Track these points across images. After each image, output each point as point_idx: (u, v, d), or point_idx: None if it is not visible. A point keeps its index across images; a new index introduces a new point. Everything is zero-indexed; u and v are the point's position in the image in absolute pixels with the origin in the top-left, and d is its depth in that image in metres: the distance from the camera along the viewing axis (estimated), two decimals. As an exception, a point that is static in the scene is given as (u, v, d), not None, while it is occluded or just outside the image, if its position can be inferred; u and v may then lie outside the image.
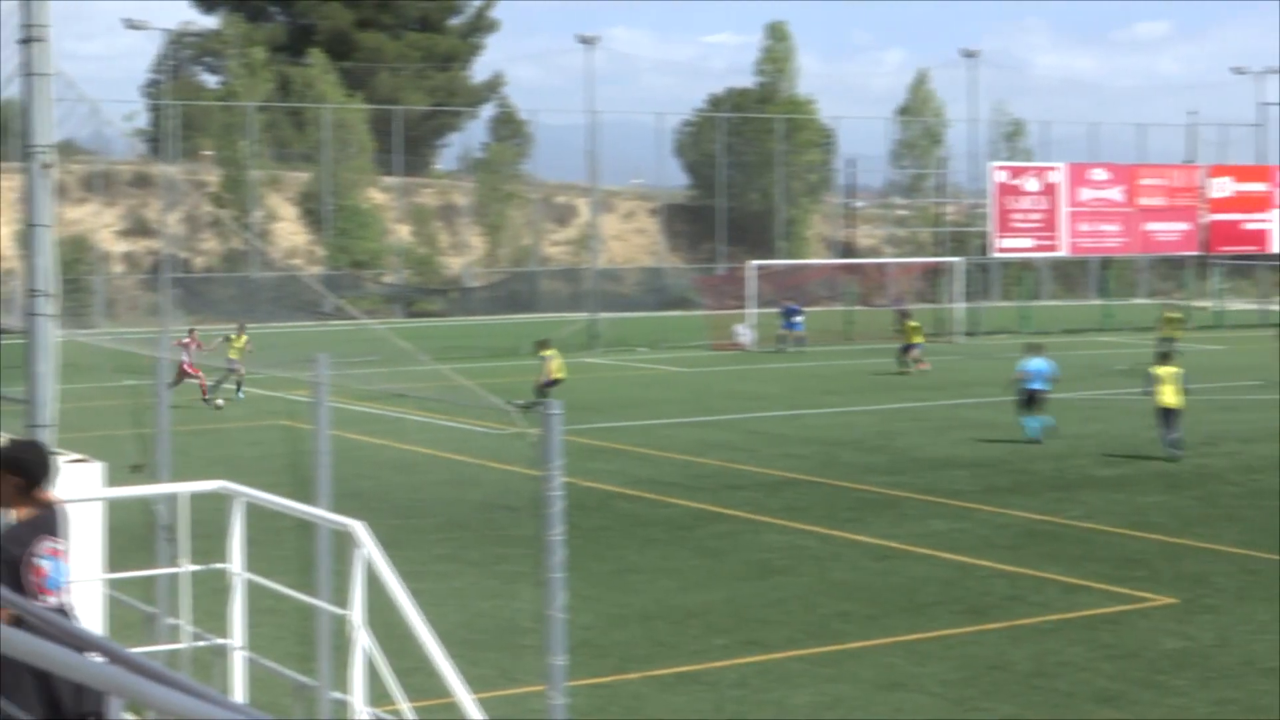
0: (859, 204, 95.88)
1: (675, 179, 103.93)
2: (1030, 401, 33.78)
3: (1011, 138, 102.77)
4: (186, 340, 41.14)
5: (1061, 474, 28.47)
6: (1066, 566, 20.52)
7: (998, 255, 70.20)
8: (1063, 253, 71.40)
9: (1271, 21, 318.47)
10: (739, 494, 26.36)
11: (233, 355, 42.69)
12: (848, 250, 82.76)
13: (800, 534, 22.89)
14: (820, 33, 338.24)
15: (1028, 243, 68.55)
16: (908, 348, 49.29)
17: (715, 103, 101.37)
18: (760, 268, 65.31)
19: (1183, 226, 71.87)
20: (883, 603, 18.60)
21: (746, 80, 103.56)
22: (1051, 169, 70.35)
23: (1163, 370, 31.21)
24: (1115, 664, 15.90)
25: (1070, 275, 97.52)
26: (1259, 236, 73.80)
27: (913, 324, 50.10)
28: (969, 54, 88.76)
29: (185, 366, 39.76)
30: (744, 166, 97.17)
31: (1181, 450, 30.20)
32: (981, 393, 41.41)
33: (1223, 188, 73.04)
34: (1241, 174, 75.01)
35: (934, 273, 76.03)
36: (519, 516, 22.67)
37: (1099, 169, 71.50)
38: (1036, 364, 34.26)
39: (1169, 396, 30.67)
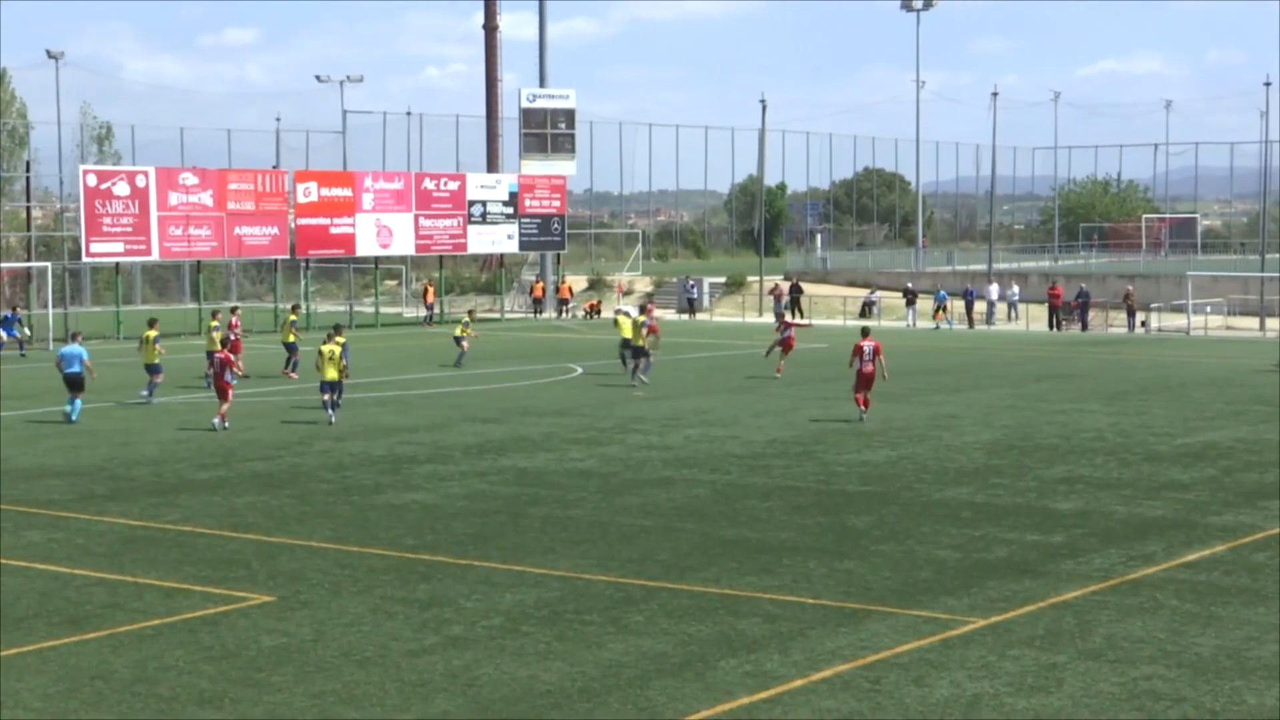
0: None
1: None
2: (73, 385, 37.21)
3: (101, 141, 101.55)
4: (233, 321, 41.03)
5: (159, 479, 28.46)
6: (165, 571, 20.59)
7: (89, 260, 69.13)
8: (154, 257, 71.03)
9: (351, 34, 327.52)
10: None
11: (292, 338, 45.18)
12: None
13: (-114, 553, 21.92)
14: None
15: (119, 247, 67.80)
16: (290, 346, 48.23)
17: None
18: None
19: (272, 231, 72.96)
20: (-23, 619, 18.09)
21: None
22: (141, 173, 69.84)
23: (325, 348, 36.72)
24: (216, 665, 16.10)
25: (163, 279, 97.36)
26: (346, 240, 75.90)
27: (293, 317, 50.35)
28: (54, 55, 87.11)
29: (222, 358, 36.24)
30: None
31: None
32: (91, 398, 40.86)
33: (309, 193, 74.63)
34: (326, 179, 76.84)
35: (25, 278, 74.14)
36: None
37: (189, 173, 71.54)
38: (73, 349, 37.82)
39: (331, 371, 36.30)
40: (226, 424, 34.96)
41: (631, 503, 25.74)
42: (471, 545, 22.26)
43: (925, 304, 78.48)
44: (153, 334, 41.37)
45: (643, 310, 50.12)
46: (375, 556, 21.53)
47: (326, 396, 36.61)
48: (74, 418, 36.84)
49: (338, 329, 39.30)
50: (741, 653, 16.51)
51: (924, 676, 15.66)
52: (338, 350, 36.74)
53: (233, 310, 50.43)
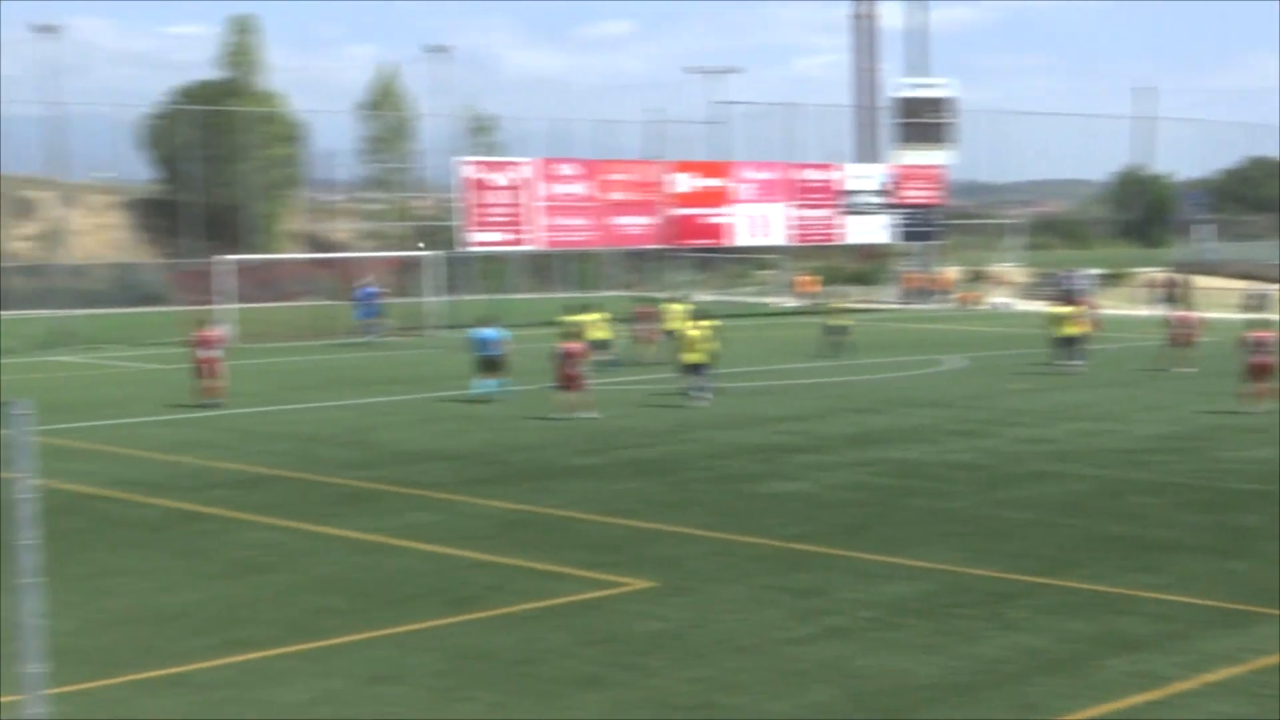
0: (331, 198, 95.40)
1: (144, 172, 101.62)
2: (487, 366, 38.80)
3: (481, 133, 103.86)
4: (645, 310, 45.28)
5: (538, 464, 28.95)
6: (546, 554, 20.89)
7: (470, 249, 70.82)
8: (533, 246, 72.51)
9: (724, 24, 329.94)
10: (219, 492, 25.99)
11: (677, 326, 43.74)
12: (321, 245, 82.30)
13: (281, 530, 22.71)
14: (287, 26, 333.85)
15: (499, 236, 69.36)
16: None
17: (183, 95, 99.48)
18: (232, 262, 64.36)
19: (647, 220, 73.86)
20: (367, 596, 18.60)
21: (214, 73, 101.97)
22: (521, 164, 71.32)
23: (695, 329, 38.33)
24: (596, 648, 16.26)
25: (542, 268, 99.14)
26: (720, 230, 76.42)
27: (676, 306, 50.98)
28: (437, 49, 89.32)
29: (573, 349, 36.71)
30: (213, 160, 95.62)
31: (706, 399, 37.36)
32: (458, 385, 41.76)
33: (684, 183, 75.30)
34: (701, 170, 77.47)
35: (409, 267, 76.30)
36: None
37: (567, 164, 72.82)
38: (488, 332, 39.21)
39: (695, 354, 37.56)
40: (582, 414, 35.08)
41: (1010, 496, 25.30)
42: (849, 536, 22.12)
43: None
44: (589, 318, 43.21)
45: (1073, 302, 49.75)
46: (752, 545, 21.53)
47: (690, 381, 37.40)
48: (490, 394, 38.32)
49: (701, 315, 40.15)
50: (1125, 652, 16.05)
51: (1321, 683, 15.03)
52: (699, 335, 37.65)
53: (647, 300, 51.73)
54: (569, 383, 35.50)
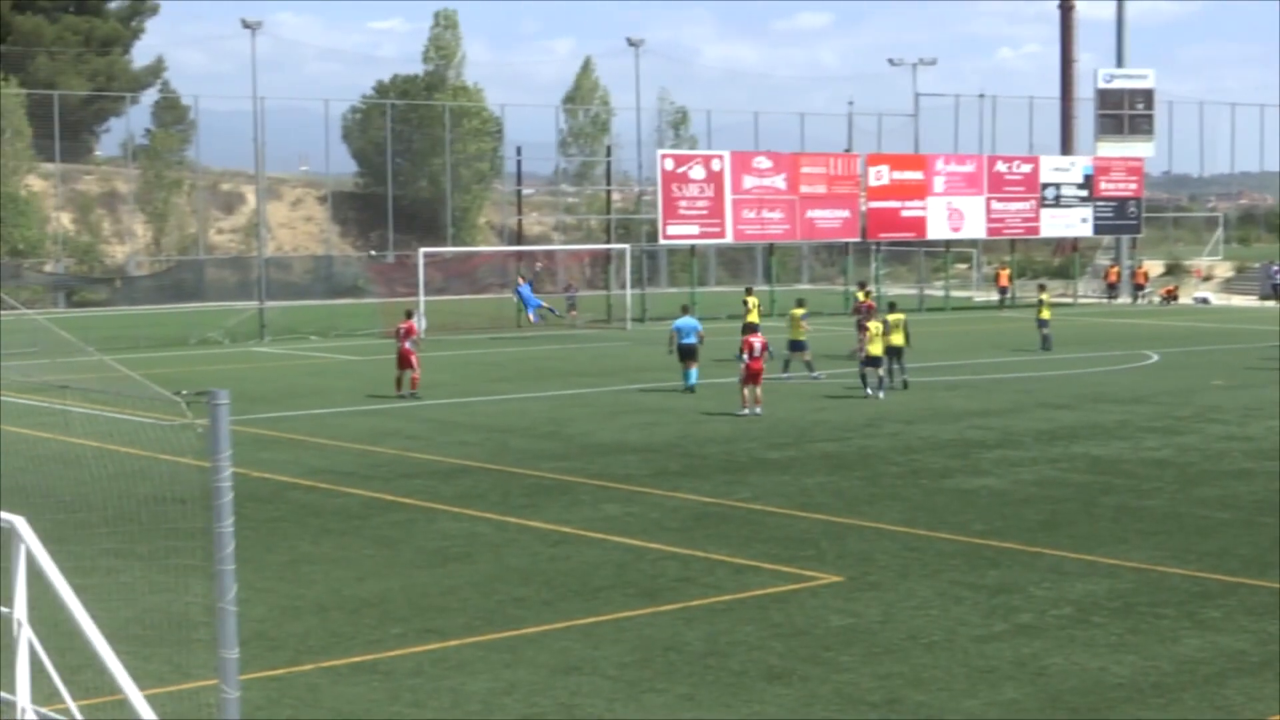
0: (528, 191, 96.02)
1: (344, 166, 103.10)
2: (686, 355, 39.08)
3: (677, 126, 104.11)
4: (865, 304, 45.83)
5: (730, 457, 28.93)
6: (736, 547, 20.88)
7: (665, 242, 70.91)
8: (728, 239, 72.42)
9: (923, 16, 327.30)
10: (413, 482, 26.29)
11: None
12: (517, 237, 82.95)
13: (475, 521, 22.92)
14: (488, 21, 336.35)
15: (694, 229, 69.33)
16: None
17: (383, 90, 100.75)
18: (430, 255, 65.08)
19: (843, 214, 73.42)
20: (558, 587, 18.71)
21: (415, 68, 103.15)
22: (716, 157, 71.25)
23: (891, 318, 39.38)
24: (785, 642, 16.22)
25: (736, 261, 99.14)
26: (916, 223, 75.79)
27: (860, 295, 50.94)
28: (634, 43, 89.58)
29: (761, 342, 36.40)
30: (412, 154, 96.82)
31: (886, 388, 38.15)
32: (651, 378, 41.88)
33: (880, 176, 74.78)
34: (898, 163, 76.90)
35: (604, 259, 76.61)
36: (189, 509, 22.10)
37: (762, 157, 72.64)
38: (687, 321, 39.56)
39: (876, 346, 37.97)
40: (759, 409, 34.79)
41: (1209, 494, 24.83)
42: (1041, 533, 21.86)
43: None
44: (799, 312, 43.02)
45: None
46: (943, 541, 21.35)
47: (868, 371, 37.87)
48: (691, 384, 38.80)
49: (891, 307, 40.32)
50: (1327, 655, 15.71)
51: None
52: (876, 329, 38.13)
53: (862, 288, 51.84)
54: (752, 376, 35.19)
